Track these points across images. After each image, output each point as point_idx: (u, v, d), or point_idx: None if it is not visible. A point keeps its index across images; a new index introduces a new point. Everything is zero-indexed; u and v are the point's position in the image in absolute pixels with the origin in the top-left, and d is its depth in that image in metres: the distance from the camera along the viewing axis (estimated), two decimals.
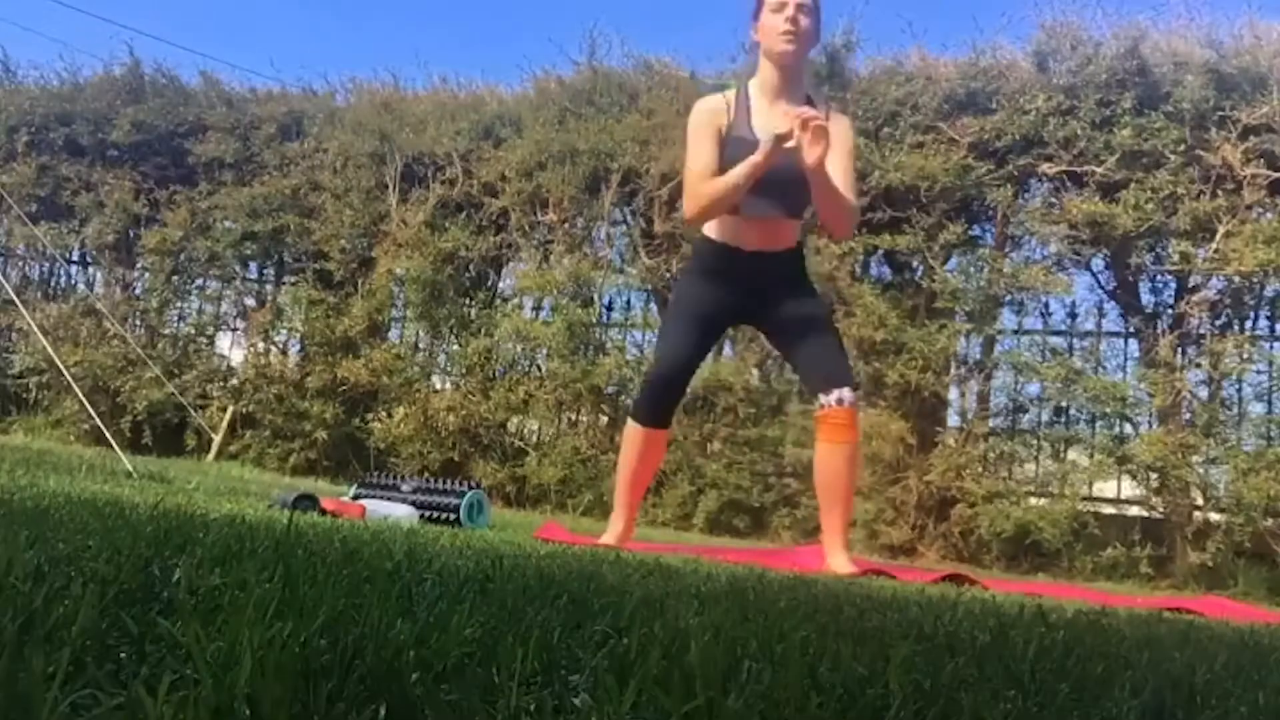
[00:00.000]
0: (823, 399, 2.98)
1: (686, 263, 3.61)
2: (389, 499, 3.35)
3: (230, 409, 6.73)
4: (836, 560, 2.89)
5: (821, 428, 3.00)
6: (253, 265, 7.42)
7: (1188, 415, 5.00)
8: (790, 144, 2.80)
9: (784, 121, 2.86)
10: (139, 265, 7.48)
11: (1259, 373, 5.03)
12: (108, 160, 7.53)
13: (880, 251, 5.60)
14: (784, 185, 2.91)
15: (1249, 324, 5.10)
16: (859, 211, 3.28)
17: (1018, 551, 4.91)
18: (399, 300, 6.68)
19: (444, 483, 3.47)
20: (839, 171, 2.92)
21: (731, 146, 2.96)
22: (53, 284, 8.01)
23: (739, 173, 2.88)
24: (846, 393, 2.97)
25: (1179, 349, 5.06)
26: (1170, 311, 5.21)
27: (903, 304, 5.44)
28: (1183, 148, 5.00)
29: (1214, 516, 4.80)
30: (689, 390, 3.50)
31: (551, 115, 6.45)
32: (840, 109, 3.38)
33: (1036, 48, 5.53)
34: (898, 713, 0.74)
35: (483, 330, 6.30)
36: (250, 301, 7.40)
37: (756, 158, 2.84)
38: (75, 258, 7.89)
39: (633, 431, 3.19)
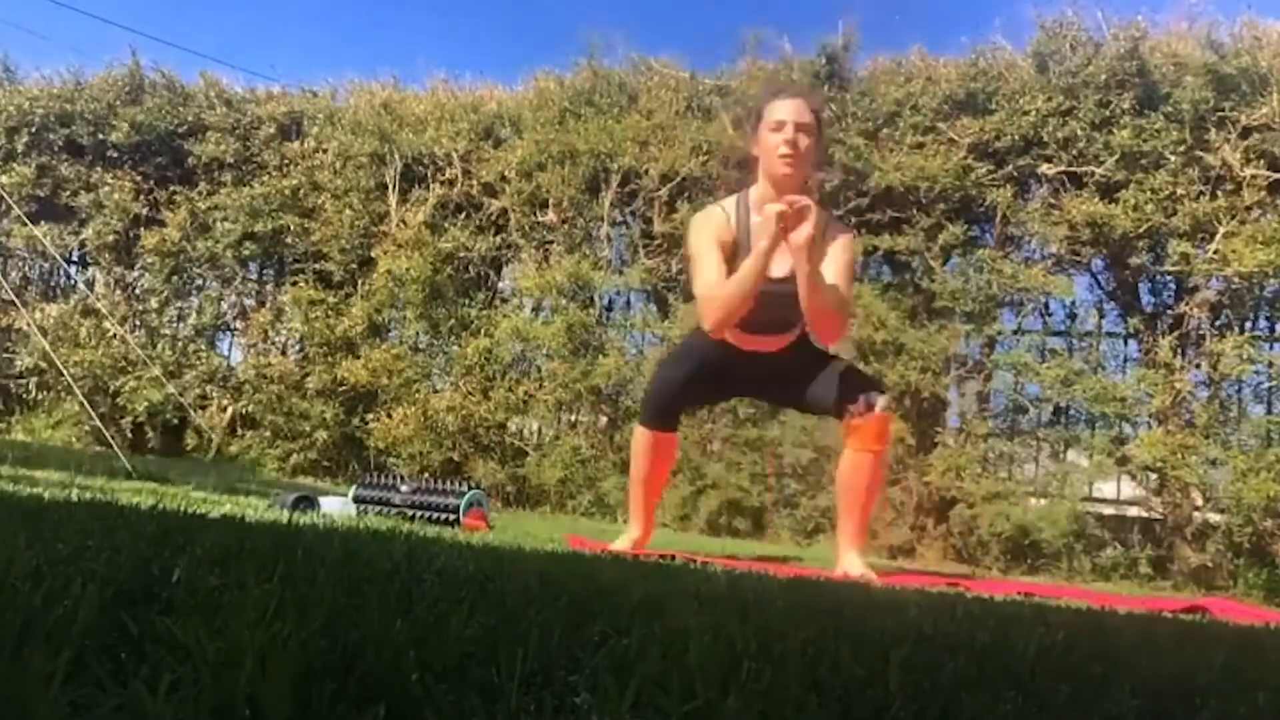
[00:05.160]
0: (851, 408, 2.94)
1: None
2: (387, 499, 3.35)
3: (230, 409, 6.73)
4: (849, 561, 2.94)
5: (850, 436, 2.96)
6: (252, 266, 7.41)
7: (1187, 416, 5.00)
8: (780, 210, 2.76)
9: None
10: (139, 265, 7.47)
11: (1258, 373, 5.02)
12: (108, 161, 7.52)
13: (880, 252, 5.60)
14: (777, 304, 2.90)
15: (1249, 325, 5.09)
16: (848, 320, 3.23)
17: (1017, 552, 4.91)
18: (399, 300, 6.67)
19: (443, 483, 3.47)
20: (832, 278, 2.88)
21: (740, 259, 2.91)
22: (53, 284, 8.00)
23: (748, 268, 2.84)
24: (875, 397, 2.95)
25: (1179, 350, 5.06)
26: (1170, 312, 5.20)
27: (902, 304, 5.44)
28: (1182, 148, 5.00)
29: (1214, 517, 4.80)
30: None
31: (551, 115, 6.45)
32: (843, 227, 3.27)
33: (1036, 48, 5.52)
34: (898, 713, 0.74)
35: (482, 330, 6.30)
36: (250, 302, 7.39)
37: (762, 245, 2.80)
38: (75, 258, 7.89)
39: (639, 434, 3.20)
